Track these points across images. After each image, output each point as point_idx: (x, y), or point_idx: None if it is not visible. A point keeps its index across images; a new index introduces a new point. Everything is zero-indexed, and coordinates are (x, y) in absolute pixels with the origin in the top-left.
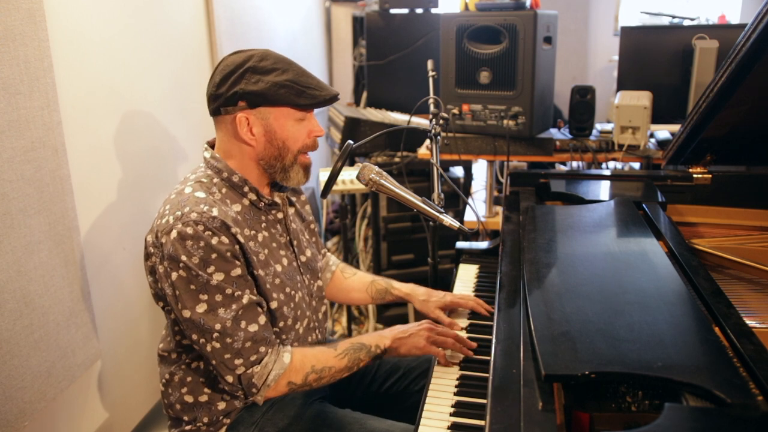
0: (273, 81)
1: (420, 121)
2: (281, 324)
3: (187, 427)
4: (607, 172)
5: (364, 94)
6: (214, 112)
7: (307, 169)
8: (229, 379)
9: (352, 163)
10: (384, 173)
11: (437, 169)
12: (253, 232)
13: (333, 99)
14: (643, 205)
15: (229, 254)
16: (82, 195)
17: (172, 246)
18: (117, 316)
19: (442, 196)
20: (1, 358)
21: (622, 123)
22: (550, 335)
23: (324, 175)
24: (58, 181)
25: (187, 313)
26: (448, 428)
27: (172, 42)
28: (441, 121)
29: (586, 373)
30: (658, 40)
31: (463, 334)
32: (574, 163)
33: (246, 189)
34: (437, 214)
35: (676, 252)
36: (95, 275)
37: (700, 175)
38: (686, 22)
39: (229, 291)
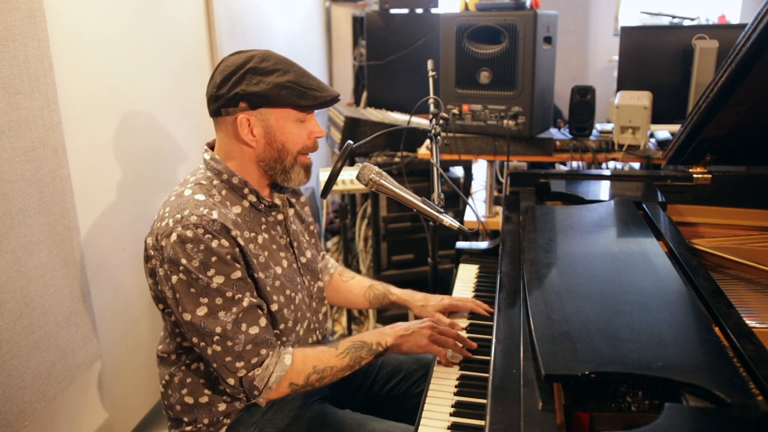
0: (274, 82)
1: (420, 121)
2: (282, 326)
3: (188, 428)
4: (607, 172)
5: (364, 94)
6: (215, 113)
7: (307, 169)
8: (231, 381)
9: (352, 163)
10: (384, 173)
11: (437, 169)
12: (253, 234)
13: (334, 100)
14: (643, 205)
15: (229, 257)
16: (82, 195)
17: (172, 249)
18: (117, 316)
19: (442, 196)
20: (1, 358)
21: (622, 123)
22: (550, 335)
23: (324, 175)
24: (58, 181)
25: (187, 317)
26: (448, 428)
27: (172, 42)
28: (441, 121)
29: (586, 373)
30: (658, 40)
31: (463, 334)
32: (574, 163)
33: (246, 191)
34: (437, 214)
35: (676, 252)
36: (95, 275)
37: (700, 175)
38: (686, 22)
39: (229, 294)
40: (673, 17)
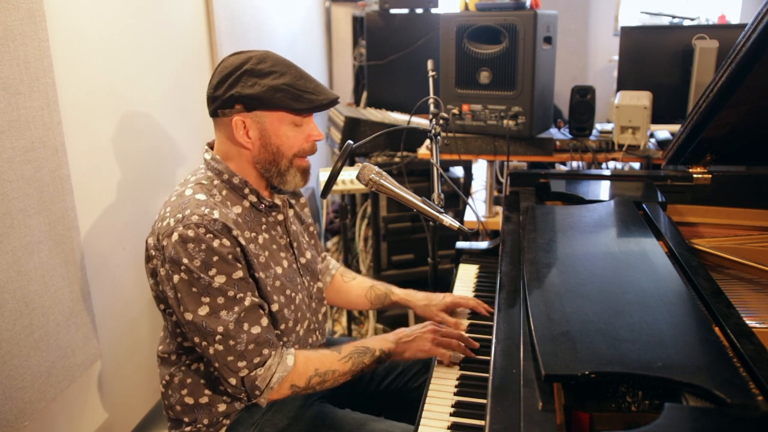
0: (269, 84)
1: (420, 121)
2: (282, 326)
3: (188, 428)
4: (607, 172)
5: (364, 94)
6: (213, 114)
7: (304, 172)
8: (233, 381)
9: (352, 163)
10: (384, 173)
11: (437, 169)
12: (253, 234)
13: (332, 103)
14: (643, 205)
15: (230, 257)
16: (82, 195)
17: (174, 249)
18: (117, 316)
19: (442, 196)
20: (1, 358)
21: (622, 123)
22: (550, 335)
23: (324, 175)
24: (58, 181)
25: (189, 316)
26: (448, 428)
27: (172, 42)
28: (441, 121)
29: (586, 373)
30: (658, 40)
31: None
32: (574, 163)
33: (246, 191)
34: (437, 214)
35: (676, 252)
36: (95, 275)
37: (700, 175)
38: (686, 22)
39: (231, 293)
40: (673, 17)
